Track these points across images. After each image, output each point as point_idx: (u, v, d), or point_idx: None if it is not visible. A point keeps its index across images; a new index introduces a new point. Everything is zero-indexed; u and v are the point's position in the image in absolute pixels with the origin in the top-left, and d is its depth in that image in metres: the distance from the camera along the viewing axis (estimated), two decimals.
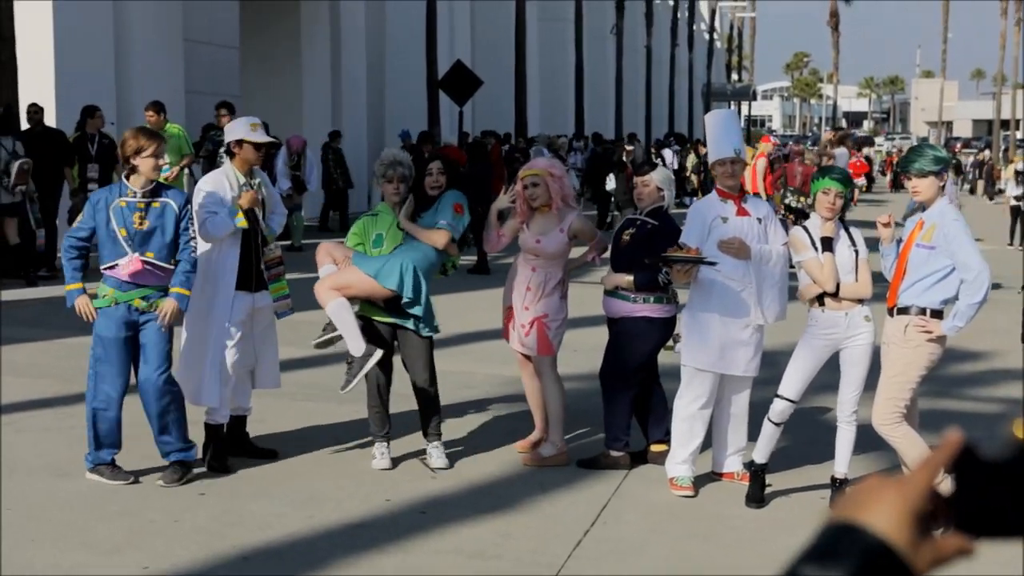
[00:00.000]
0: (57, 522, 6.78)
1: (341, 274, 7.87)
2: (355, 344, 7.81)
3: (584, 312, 11.20)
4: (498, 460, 8.27)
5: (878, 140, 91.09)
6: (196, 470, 7.70)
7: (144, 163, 7.42)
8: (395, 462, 8.05)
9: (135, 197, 7.44)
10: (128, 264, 7.38)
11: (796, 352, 7.39)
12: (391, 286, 7.77)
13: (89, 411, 7.54)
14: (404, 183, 8.06)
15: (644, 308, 8.00)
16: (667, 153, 35.55)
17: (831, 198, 7.27)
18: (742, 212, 7.74)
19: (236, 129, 8.10)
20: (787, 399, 7.36)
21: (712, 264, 7.45)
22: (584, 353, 10.54)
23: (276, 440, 8.51)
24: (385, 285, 7.77)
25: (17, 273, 15.60)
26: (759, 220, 7.74)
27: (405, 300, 7.83)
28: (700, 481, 7.77)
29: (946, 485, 1.03)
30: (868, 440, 8.16)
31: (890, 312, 7.05)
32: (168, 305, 7.41)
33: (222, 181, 7.93)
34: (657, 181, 8.22)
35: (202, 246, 7.80)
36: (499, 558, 6.42)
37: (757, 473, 7.50)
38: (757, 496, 7.46)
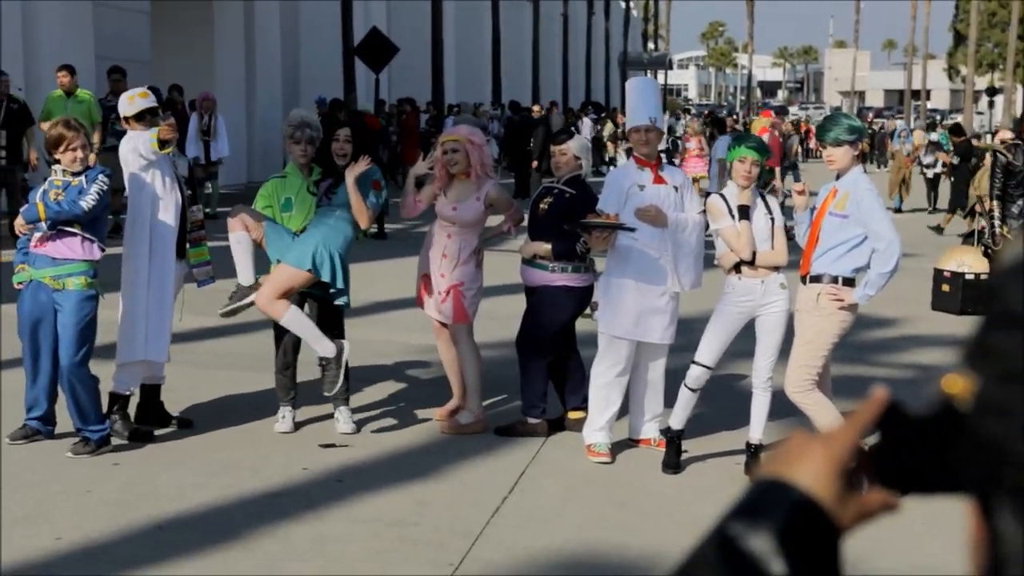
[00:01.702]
0: None
1: (277, 280, 7.80)
2: (244, 275, 7.95)
3: (501, 280, 11.20)
4: (415, 429, 8.25)
5: (792, 109, 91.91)
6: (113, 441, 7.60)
7: (64, 156, 7.44)
8: (297, 426, 8.11)
9: (57, 175, 7.48)
10: (40, 240, 7.38)
11: (712, 319, 7.44)
12: (325, 277, 7.82)
13: (27, 385, 7.68)
14: (311, 145, 8.10)
15: (562, 277, 8.00)
16: (585, 122, 35.58)
17: (747, 166, 7.30)
18: (659, 180, 7.76)
19: (120, 107, 8.15)
20: (703, 365, 7.41)
21: (631, 230, 7.46)
22: (501, 321, 10.54)
23: (190, 410, 8.42)
24: (322, 277, 7.82)
25: None
26: (675, 188, 7.77)
27: (332, 290, 7.88)
28: (617, 448, 7.81)
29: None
30: (783, 407, 8.25)
31: (803, 280, 7.10)
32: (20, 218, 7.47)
33: (134, 149, 7.80)
34: (574, 150, 8.23)
35: (140, 217, 7.78)
36: (417, 526, 6.41)
37: (673, 440, 7.55)
38: (673, 462, 7.51)
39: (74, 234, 7.37)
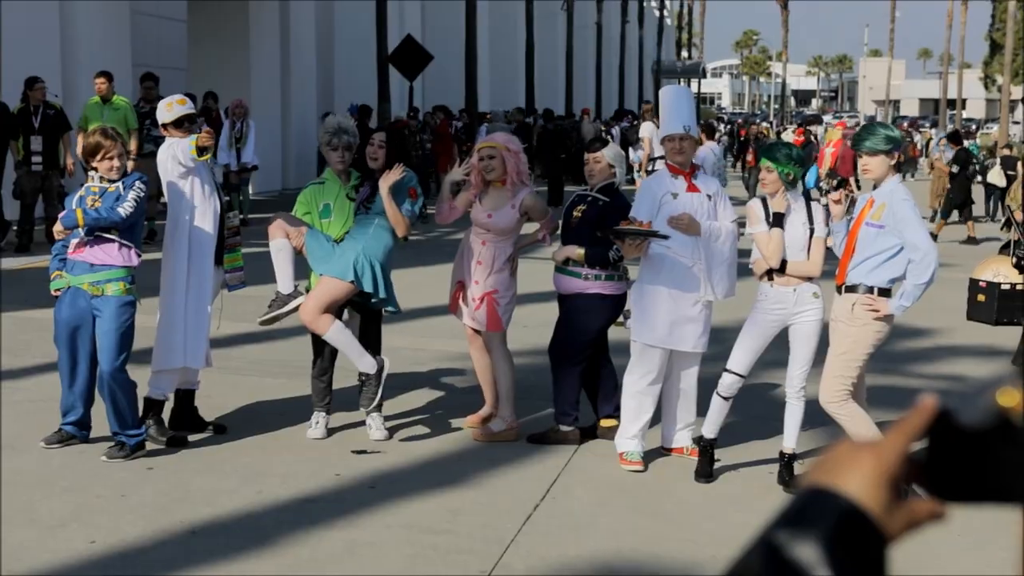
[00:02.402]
0: (3, 498, 6.70)
1: (320, 294, 7.82)
2: (284, 283, 7.93)
3: (534, 288, 11.20)
4: (448, 436, 8.27)
5: (826, 118, 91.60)
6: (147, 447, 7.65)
7: (101, 165, 7.47)
8: (330, 432, 8.13)
9: (94, 182, 7.52)
10: (77, 246, 7.42)
11: (745, 327, 7.42)
12: (367, 288, 7.85)
13: (63, 390, 7.69)
14: (348, 151, 8.14)
15: (595, 285, 8.00)
16: (615, 131, 35.55)
17: (762, 174, 7.33)
18: (692, 188, 7.75)
19: (158, 115, 8.23)
20: (736, 373, 7.39)
21: (664, 238, 7.46)
22: (534, 329, 10.55)
23: (224, 416, 8.46)
24: (364, 288, 7.85)
25: None
26: (709, 197, 7.76)
27: (374, 300, 7.93)
28: (649, 456, 7.80)
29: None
30: (817, 416, 8.22)
31: (838, 290, 7.07)
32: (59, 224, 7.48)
33: (173, 157, 7.85)
34: (608, 158, 8.23)
35: (178, 223, 7.84)
36: (449, 533, 6.42)
37: (706, 448, 7.53)
38: (706, 471, 7.50)
39: (111, 240, 7.42)
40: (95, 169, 7.52)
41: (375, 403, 7.90)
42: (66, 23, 20.09)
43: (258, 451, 7.77)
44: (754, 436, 8.26)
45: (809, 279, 7.31)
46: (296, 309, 7.90)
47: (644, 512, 6.92)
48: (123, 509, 6.63)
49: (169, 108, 8.08)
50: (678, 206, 7.63)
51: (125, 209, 7.37)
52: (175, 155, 7.77)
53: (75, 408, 7.63)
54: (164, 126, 8.08)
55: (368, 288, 7.83)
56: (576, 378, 8.14)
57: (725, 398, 7.44)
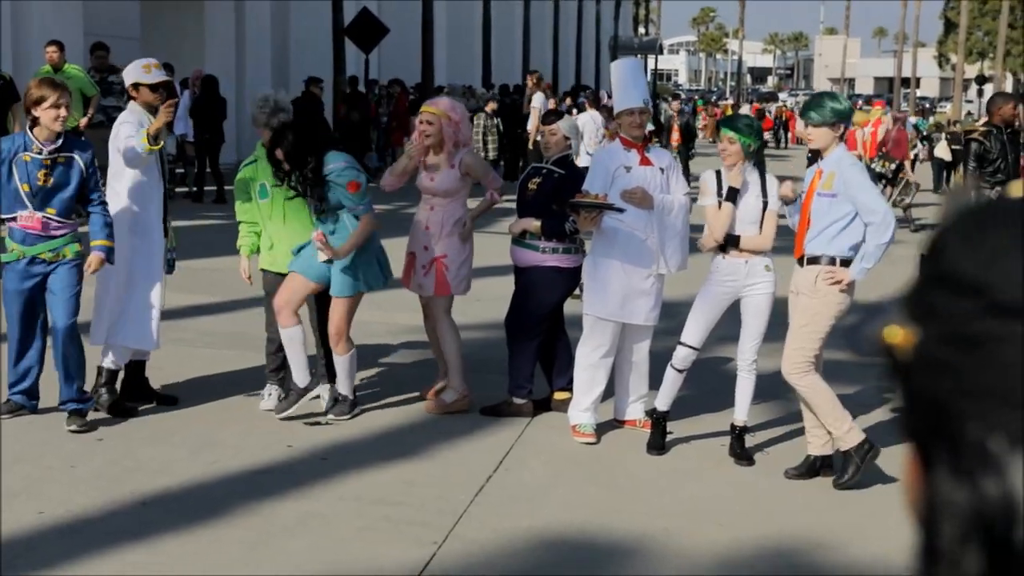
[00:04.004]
0: None
1: (299, 292, 7.78)
2: (300, 375, 7.81)
3: (488, 262, 11.18)
4: (402, 408, 8.26)
5: (782, 96, 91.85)
6: (93, 416, 7.59)
7: (45, 114, 7.21)
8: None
9: (40, 153, 7.27)
10: (28, 219, 7.33)
11: (697, 299, 7.44)
12: (379, 285, 8.04)
13: (11, 360, 7.61)
14: None
15: (552, 258, 8.00)
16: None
17: (723, 144, 7.33)
18: (645, 162, 7.76)
19: (131, 72, 8.00)
20: (689, 346, 7.41)
21: (619, 211, 7.47)
22: (488, 303, 10.53)
23: (175, 387, 8.42)
24: (373, 288, 8.01)
25: None
26: (661, 170, 7.77)
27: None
28: (602, 429, 7.82)
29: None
30: (768, 389, 8.28)
31: (800, 262, 7.05)
32: (95, 260, 7.35)
33: (138, 113, 7.78)
34: (564, 130, 8.23)
35: (122, 199, 7.73)
36: (402, 504, 6.41)
37: (659, 421, 7.56)
38: (658, 443, 7.52)
39: (70, 223, 7.47)
40: (37, 121, 7.24)
41: (285, 413, 7.79)
42: None
43: (210, 422, 7.74)
44: (706, 409, 8.29)
45: (763, 253, 7.33)
46: (311, 400, 7.82)
47: (597, 484, 6.94)
48: (73, 480, 6.59)
49: (148, 70, 7.90)
50: (631, 179, 7.64)
51: (108, 208, 7.47)
52: (134, 125, 7.64)
53: (27, 377, 7.59)
54: (136, 86, 7.85)
55: (380, 285, 8.01)
56: (532, 351, 8.14)
57: (679, 370, 7.45)
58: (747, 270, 7.30)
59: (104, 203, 7.52)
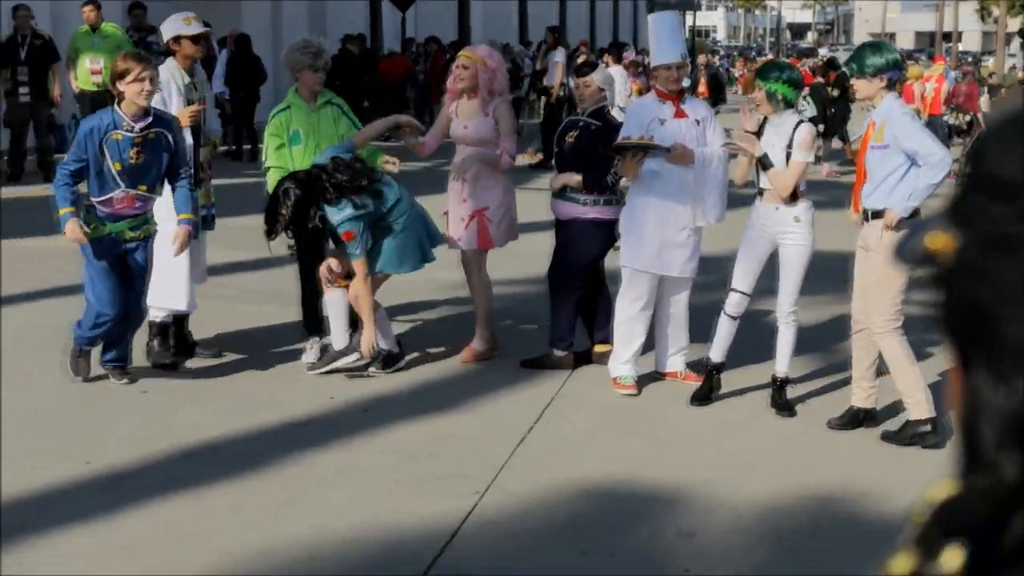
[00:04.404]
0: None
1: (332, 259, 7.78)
2: (338, 338, 7.84)
3: (526, 218, 11.09)
4: (442, 362, 8.25)
5: (821, 51, 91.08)
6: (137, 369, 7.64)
7: (131, 88, 7.01)
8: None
9: (132, 131, 7.10)
10: (121, 200, 7.17)
11: (740, 245, 7.42)
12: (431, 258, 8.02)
13: (87, 335, 7.45)
14: (326, 72, 8.06)
15: (593, 210, 7.96)
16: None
17: (759, 94, 7.26)
18: (680, 114, 7.69)
19: (170, 26, 7.92)
20: (739, 291, 7.37)
21: (665, 150, 7.42)
22: (526, 257, 10.51)
23: (217, 342, 8.44)
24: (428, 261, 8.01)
25: None
26: (697, 122, 7.70)
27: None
28: (643, 381, 7.80)
29: None
30: (809, 342, 8.25)
31: (864, 217, 6.95)
32: (183, 233, 7.28)
33: (168, 81, 7.74)
34: (598, 82, 8.17)
35: None
36: (442, 457, 6.42)
37: (712, 372, 7.51)
38: (704, 394, 7.48)
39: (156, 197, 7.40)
40: (122, 96, 7.07)
41: (318, 371, 7.80)
42: None
43: (251, 377, 7.77)
44: (747, 361, 8.23)
45: (794, 202, 7.23)
46: (347, 366, 7.80)
47: (638, 435, 6.92)
48: (118, 432, 6.62)
49: (188, 22, 7.84)
50: (666, 132, 7.58)
51: (191, 180, 7.42)
52: (168, 81, 7.65)
53: (119, 345, 7.54)
54: (177, 39, 7.80)
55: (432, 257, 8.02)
56: (573, 304, 8.11)
57: (732, 317, 7.41)
58: (778, 217, 7.23)
59: (190, 177, 7.44)
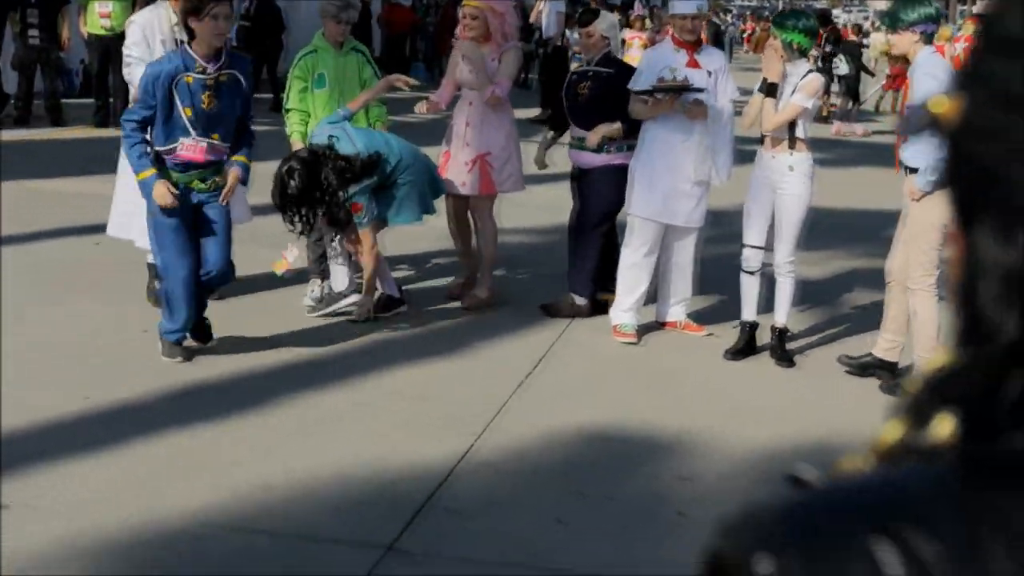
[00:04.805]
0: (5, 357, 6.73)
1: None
2: (339, 280, 7.93)
3: (527, 170, 11.10)
4: (443, 307, 8.28)
5: (835, 12, 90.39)
6: (146, 312, 7.66)
7: (203, 27, 6.43)
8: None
9: (204, 73, 6.52)
10: (191, 148, 6.60)
11: (746, 198, 7.42)
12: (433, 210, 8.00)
13: (163, 294, 6.85)
14: (350, 25, 8.01)
15: (618, 157, 7.94)
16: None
17: (775, 43, 7.23)
18: (693, 64, 7.67)
19: None
20: (752, 245, 7.38)
21: (700, 90, 7.42)
22: (534, 209, 10.53)
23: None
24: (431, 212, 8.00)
25: None
26: (709, 73, 7.68)
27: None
28: (643, 330, 7.82)
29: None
30: (812, 295, 8.27)
31: (905, 172, 6.96)
32: (232, 176, 6.72)
33: (152, 22, 7.62)
34: (601, 30, 8.13)
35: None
36: (441, 398, 6.46)
37: (746, 329, 7.50)
38: (739, 350, 7.48)
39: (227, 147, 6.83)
40: (193, 34, 6.51)
41: (319, 313, 7.83)
42: None
43: (257, 318, 7.78)
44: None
45: (790, 150, 7.22)
46: (349, 306, 7.81)
47: (636, 383, 6.95)
48: (120, 370, 6.66)
49: None
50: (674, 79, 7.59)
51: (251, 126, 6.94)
52: (155, 26, 7.53)
53: (192, 318, 6.87)
54: None
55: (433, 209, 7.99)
56: (596, 251, 8.06)
57: (750, 272, 7.42)
58: (774, 165, 7.24)
59: (251, 120, 6.98)
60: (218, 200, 6.73)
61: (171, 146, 6.59)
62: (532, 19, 20.77)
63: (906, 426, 0.93)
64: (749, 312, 7.51)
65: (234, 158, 6.78)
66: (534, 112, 19.16)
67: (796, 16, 7.42)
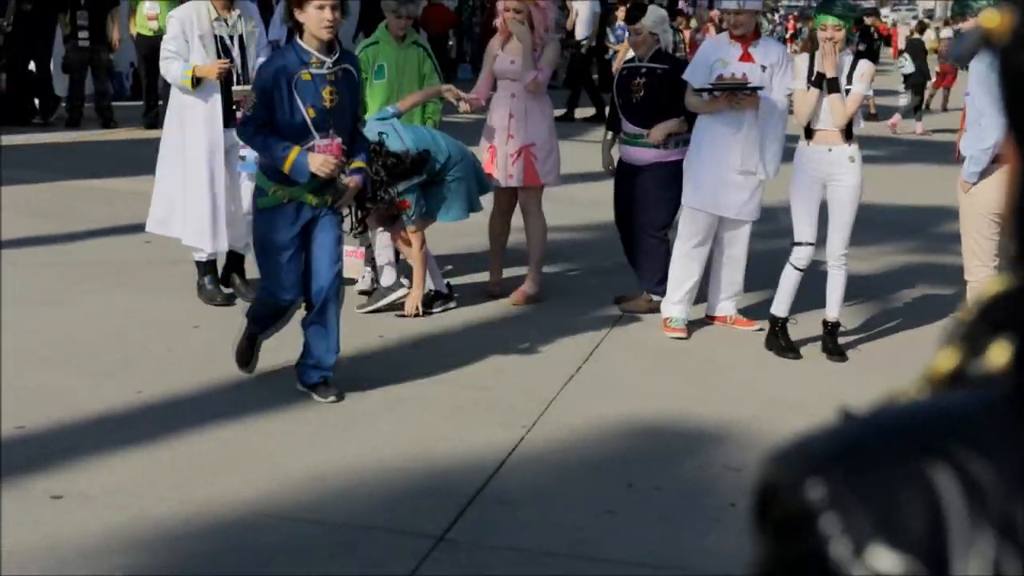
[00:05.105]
0: (53, 348, 6.79)
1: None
2: (387, 275, 7.97)
3: (578, 168, 11.09)
4: (492, 302, 8.27)
5: (883, 11, 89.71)
6: (193, 305, 7.71)
7: (310, 17, 5.84)
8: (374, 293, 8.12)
9: (322, 67, 5.95)
10: (325, 148, 5.97)
11: (792, 194, 7.35)
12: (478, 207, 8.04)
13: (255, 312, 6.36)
14: (411, 20, 8.10)
15: (675, 153, 7.92)
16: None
17: (828, 33, 7.16)
18: (746, 58, 7.63)
19: None
20: (804, 243, 7.30)
21: (759, 88, 7.40)
22: (578, 206, 10.53)
23: None
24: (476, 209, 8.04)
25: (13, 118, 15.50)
26: (764, 68, 7.61)
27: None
28: (693, 325, 7.80)
29: None
30: (862, 289, 8.21)
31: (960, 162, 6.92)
32: (353, 185, 6.13)
33: (191, 16, 7.58)
34: (648, 26, 8.11)
35: (175, 92, 7.71)
36: (491, 390, 6.47)
37: (781, 326, 7.43)
38: (774, 346, 7.43)
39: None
40: (300, 27, 5.94)
41: (368, 309, 7.83)
42: None
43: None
44: (798, 309, 8.20)
45: (848, 142, 7.18)
46: (397, 300, 7.82)
47: (685, 375, 6.94)
48: (170, 361, 6.71)
49: None
50: (726, 74, 7.56)
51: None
52: (193, 21, 7.52)
53: (329, 352, 6.17)
54: None
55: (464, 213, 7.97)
56: (664, 245, 8.03)
57: (801, 269, 7.34)
58: (830, 158, 7.19)
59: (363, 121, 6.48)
60: (331, 214, 6.10)
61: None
62: (568, 26, 20.46)
63: (960, 354, 0.91)
64: (782, 308, 7.42)
65: (353, 164, 6.13)
66: (585, 112, 19.16)
67: (840, 2, 7.36)
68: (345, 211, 6.76)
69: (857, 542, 0.83)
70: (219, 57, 7.57)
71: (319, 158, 5.86)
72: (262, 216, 6.08)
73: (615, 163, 8.29)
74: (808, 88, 7.18)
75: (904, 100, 21.58)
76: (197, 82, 7.48)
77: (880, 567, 0.82)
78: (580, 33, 20.69)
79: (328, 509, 4.95)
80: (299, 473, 5.27)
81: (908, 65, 21.53)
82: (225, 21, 7.67)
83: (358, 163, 6.16)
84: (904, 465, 0.84)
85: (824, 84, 7.13)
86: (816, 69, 7.17)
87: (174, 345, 7.04)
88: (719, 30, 23.02)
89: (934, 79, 23.14)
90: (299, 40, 5.96)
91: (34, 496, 4.93)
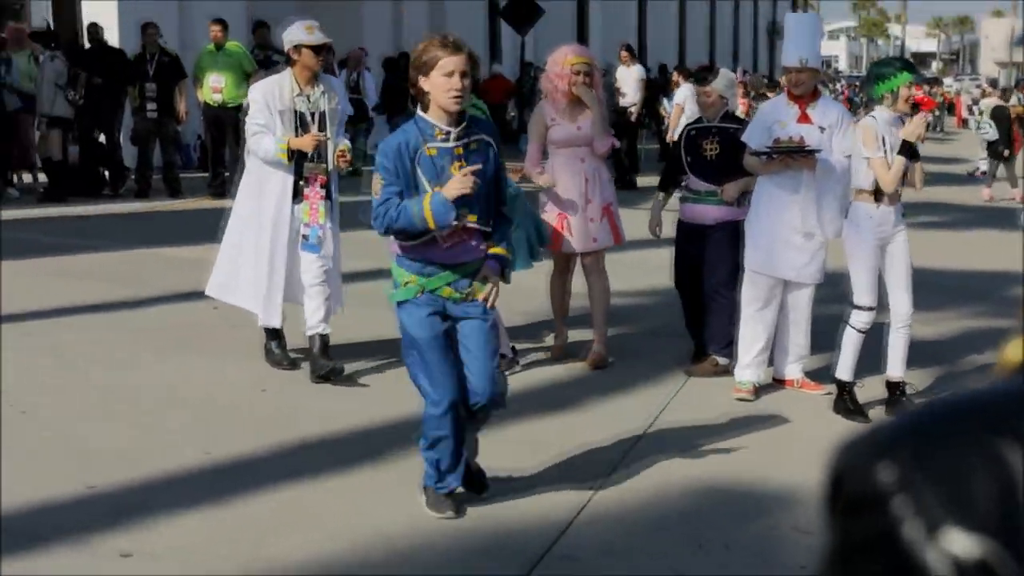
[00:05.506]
0: (122, 409, 6.86)
1: None
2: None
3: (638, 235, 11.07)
4: (556, 365, 8.27)
5: (947, 81, 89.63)
6: (259, 368, 7.76)
7: (435, 86, 5.21)
8: None
9: (448, 139, 5.33)
10: (450, 236, 5.35)
11: (855, 257, 7.22)
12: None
13: (427, 436, 5.51)
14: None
15: (743, 211, 7.90)
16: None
17: (920, 92, 7.12)
18: (804, 119, 7.62)
19: (292, 34, 7.66)
20: (866, 307, 7.22)
21: (816, 151, 7.39)
22: (631, 268, 10.52)
23: (345, 346, 8.31)
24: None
25: (78, 190, 15.74)
26: (822, 129, 7.60)
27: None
28: (761, 389, 7.74)
29: None
30: (922, 352, 8.13)
31: None
32: (491, 275, 5.42)
33: (273, 90, 7.64)
34: (719, 89, 8.16)
35: (250, 162, 7.81)
36: (560, 450, 6.42)
37: (847, 390, 7.34)
38: (844, 409, 7.33)
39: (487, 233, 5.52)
40: (421, 95, 5.29)
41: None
42: None
43: (371, 375, 7.84)
44: (863, 371, 8.11)
45: (898, 199, 7.21)
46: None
47: (753, 437, 6.87)
48: (238, 424, 6.74)
49: (310, 31, 7.56)
50: (784, 135, 7.56)
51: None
52: (277, 94, 7.60)
53: (461, 459, 5.56)
54: (297, 48, 7.52)
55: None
56: (733, 307, 7.96)
57: (860, 331, 7.25)
58: (892, 219, 7.17)
59: (506, 198, 5.72)
60: (478, 311, 5.41)
61: (424, 239, 5.36)
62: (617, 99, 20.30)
63: None
64: (846, 371, 7.33)
65: (492, 250, 5.45)
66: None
67: (885, 63, 7.38)
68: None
69: (930, 524, 0.83)
70: (296, 134, 7.60)
71: (454, 185, 5.20)
72: (404, 309, 5.43)
73: (661, 224, 8.30)
74: (893, 156, 7.07)
75: (984, 165, 21.48)
76: (291, 155, 7.50)
77: (954, 549, 0.82)
78: (629, 100, 20.63)
79: (398, 568, 4.94)
80: (369, 532, 5.26)
81: (991, 131, 21.37)
82: (308, 97, 7.67)
83: (498, 249, 5.44)
84: (973, 444, 0.84)
85: (907, 151, 7.05)
86: (903, 137, 7.05)
87: (241, 407, 7.08)
88: (746, 95, 23.13)
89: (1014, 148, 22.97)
90: (422, 113, 5.35)
91: (103, 554, 4.96)
